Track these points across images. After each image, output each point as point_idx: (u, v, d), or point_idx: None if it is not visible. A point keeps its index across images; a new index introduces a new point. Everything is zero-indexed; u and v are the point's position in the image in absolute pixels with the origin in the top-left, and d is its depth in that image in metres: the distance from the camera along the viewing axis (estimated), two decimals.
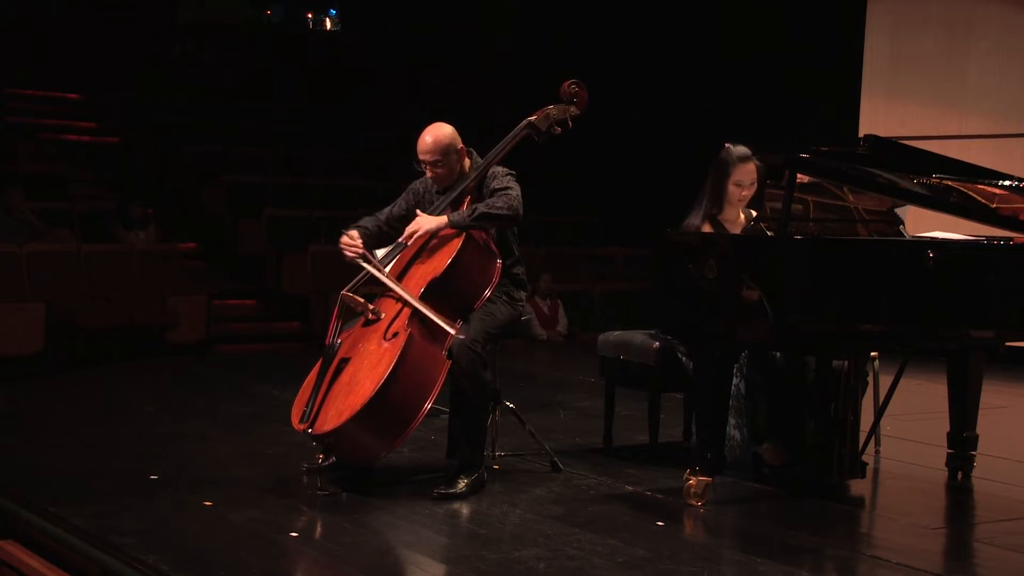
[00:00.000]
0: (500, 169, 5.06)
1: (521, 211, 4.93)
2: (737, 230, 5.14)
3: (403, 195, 5.29)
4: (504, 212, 4.89)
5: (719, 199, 5.04)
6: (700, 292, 4.66)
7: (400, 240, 5.07)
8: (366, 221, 5.24)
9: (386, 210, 5.27)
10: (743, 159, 4.98)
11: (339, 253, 5.11)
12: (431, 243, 4.98)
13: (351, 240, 5.07)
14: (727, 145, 5.05)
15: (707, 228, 5.04)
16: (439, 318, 4.78)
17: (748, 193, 5.02)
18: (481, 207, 4.91)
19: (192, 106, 13.81)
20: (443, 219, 4.94)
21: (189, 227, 11.96)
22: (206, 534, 4.24)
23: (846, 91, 10.32)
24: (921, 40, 9.73)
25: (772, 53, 12.06)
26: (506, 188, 4.95)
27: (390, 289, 4.97)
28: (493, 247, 4.99)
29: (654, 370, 5.45)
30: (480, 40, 15.59)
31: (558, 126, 5.25)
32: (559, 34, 14.04)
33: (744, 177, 4.98)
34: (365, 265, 5.02)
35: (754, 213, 5.22)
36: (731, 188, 5.01)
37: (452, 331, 4.76)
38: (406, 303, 4.85)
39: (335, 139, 14.00)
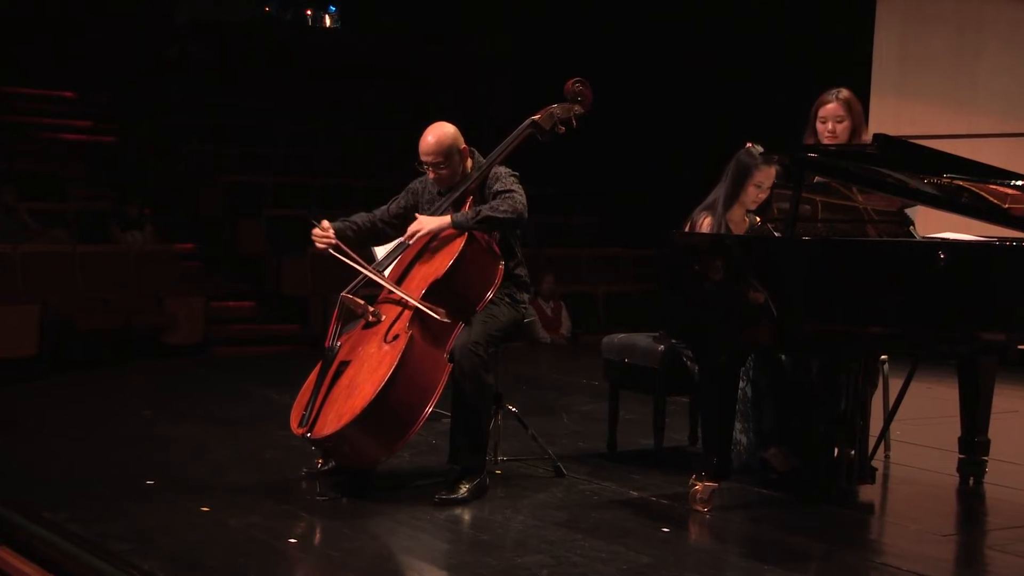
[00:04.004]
0: (503, 170, 4.99)
1: (525, 214, 4.87)
2: (740, 230, 5.09)
3: (402, 194, 5.23)
4: (508, 216, 4.83)
5: (734, 199, 5.01)
6: (706, 294, 4.61)
7: (402, 239, 5.00)
8: (357, 217, 5.18)
9: (383, 208, 5.21)
10: (767, 162, 4.96)
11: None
12: (432, 244, 4.92)
13: (322, 231, 4.99)
14: (748, 145, 5.01)
15: (713, 227, 4.99)
16: (431, 310, 4.71)
17: (764, 196, 5.01)
18: (485, 209, 4.84)
19: (190, 105, 13.76)
20: (446, 219, 4.88)
21: (187, 227, 11.92)
22: (204, 540, 4.19)
23: (855, 90, 10.24)
24: (931, 39, 9.70)
25: (778, 53, 12.01)
26: (510, 191, 4.88)
27: (387, 289, 4.91)
28: (495, 248, 4.94)
29: (659, 373, 5.40)
30: (480, 40, 15.55)
31: (562, 125, 5.18)
32: (560, 34, 13.99)
33: (765, 179, 4.99)
34: (337, 255, 4.95)
35: (757, 220, 5.17)
36: (751, 190, 4.99)
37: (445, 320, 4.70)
38: (400, 300, 4.79)
39: (335, 139, 13.96)
